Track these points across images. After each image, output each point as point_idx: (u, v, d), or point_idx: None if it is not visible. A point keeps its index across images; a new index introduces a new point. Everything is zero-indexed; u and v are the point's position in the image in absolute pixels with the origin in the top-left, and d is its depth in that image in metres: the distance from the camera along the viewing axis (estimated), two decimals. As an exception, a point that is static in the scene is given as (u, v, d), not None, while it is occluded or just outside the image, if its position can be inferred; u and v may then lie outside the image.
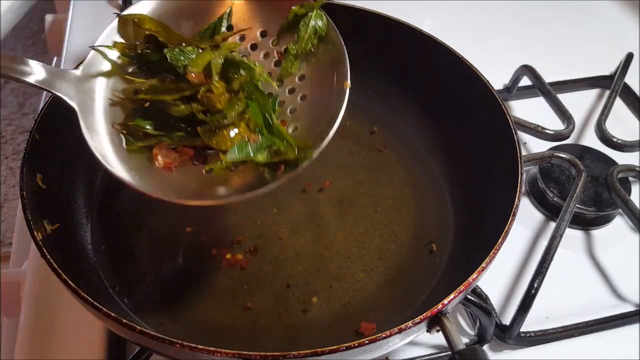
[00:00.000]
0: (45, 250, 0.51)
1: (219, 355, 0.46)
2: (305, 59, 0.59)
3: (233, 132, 0.54)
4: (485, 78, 0.68)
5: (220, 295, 0.62)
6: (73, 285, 0.49)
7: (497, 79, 0.88)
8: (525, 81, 0.88)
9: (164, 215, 0.68)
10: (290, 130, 0.56)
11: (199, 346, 0.45)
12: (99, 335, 0.61)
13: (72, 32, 0.94)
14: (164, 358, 0.54)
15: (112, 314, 0.47)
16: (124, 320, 0.47)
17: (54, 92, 0.54)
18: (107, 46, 0.58)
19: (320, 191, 0.71)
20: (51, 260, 0.50)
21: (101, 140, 0.55)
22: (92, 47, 0.57)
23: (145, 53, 0.58)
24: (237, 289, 0.62)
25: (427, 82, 0.75)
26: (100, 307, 0.48)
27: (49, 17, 1.06)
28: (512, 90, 0.90)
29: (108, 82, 0.57)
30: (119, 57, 0.58)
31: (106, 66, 0.57)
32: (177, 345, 0.46)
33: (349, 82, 0.56)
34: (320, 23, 0.58)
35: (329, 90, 0.57)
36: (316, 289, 0.63)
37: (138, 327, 0.47)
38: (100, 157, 0.53)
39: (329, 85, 0.57)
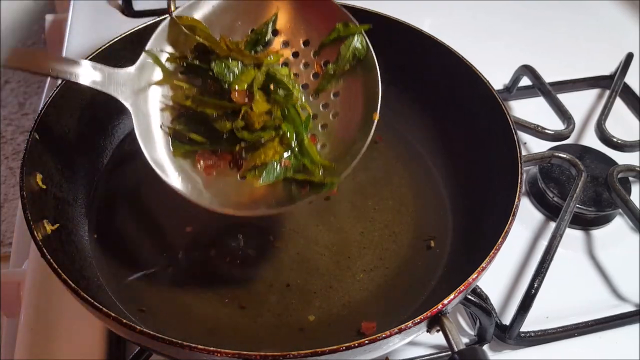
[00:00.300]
0: (45, 250, 0.51)
1: (219, 355, 0.46)
2: (341, 77, 0.61)
3: (267, 147, 0.58)
4: (485, 78, 0.68)
5: (221, 295, 0.62)
6: (73, 285, 0.49)
7: (497, 79, 0.88)
8: (525, 81, 0.88)
9: (164, 215, 0.68)
10: (318, 147, 0.60)
11: (199, 346, 0.46)
12: (99, 335, 0.61)
13: (72, 32, 0.94)
14: (164, 358, 0.54)
15: (112, 314, 0.47)
16: (124, 320, 0.47)
17: (109, 93, 0.57)
18: (160, 52, 0.60)
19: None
20: (51, 260, 0.50)
21: (153, 143, 0.58)
22: (146, 52, 0.59)
23: (194, 63, 0.60)
24: (237, 289, 0.62)
25: (427, 82, 0.75)
26: (100, 307, 0.48)
27: (49, 17, 1.06)
28: (512, 90, 0.90)
29: (159, 84, 0.60)
30: (167, 59, 0.60)
31: (157, 69, 0.60)
32: (177, 345, 0.46)
33: (377, 113, 0.58)
34: (360, 46, 0.60)
35: (359, 113, 0.60)
36: (316, 288, 0.63)
37: (138, 327, 0.47)
38: (150, 160, 0.57)
39: (359, 108, 0.60)
